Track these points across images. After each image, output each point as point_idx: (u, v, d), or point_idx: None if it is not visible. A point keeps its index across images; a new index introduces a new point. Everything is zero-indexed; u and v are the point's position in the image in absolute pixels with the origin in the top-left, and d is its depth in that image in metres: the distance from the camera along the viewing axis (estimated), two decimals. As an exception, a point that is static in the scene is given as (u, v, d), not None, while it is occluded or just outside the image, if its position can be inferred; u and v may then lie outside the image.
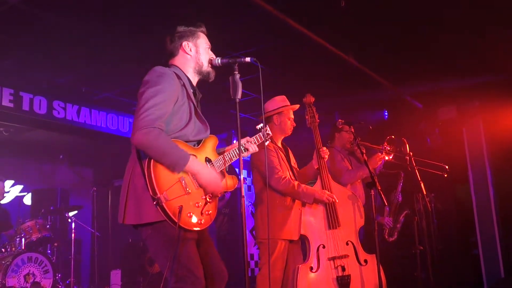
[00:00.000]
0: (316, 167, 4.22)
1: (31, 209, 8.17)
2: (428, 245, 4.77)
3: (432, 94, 7.28)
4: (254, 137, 3.03)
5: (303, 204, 4.12)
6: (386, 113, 7.85)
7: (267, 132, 3.12)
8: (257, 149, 3.00)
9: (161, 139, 2.45)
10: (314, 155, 4.25)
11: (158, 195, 2.42)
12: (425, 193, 4.84)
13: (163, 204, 2.42)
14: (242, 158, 2.71)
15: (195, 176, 2.58)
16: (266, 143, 3.20)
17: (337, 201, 4.10)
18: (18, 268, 5.54)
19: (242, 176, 2.62)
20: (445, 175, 5.05)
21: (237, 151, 2.86)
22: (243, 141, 2.96)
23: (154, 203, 2.42)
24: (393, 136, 5.07)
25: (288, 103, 4.35)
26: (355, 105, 7.64)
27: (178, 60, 2.83)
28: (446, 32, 5.37)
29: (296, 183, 4.07)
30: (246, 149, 2.96)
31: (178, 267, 2.47)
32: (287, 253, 4.06)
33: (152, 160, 2.46)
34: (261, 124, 3.11)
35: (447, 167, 5.04)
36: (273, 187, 4.05)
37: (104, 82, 6.63)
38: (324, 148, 4.24)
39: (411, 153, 4.98)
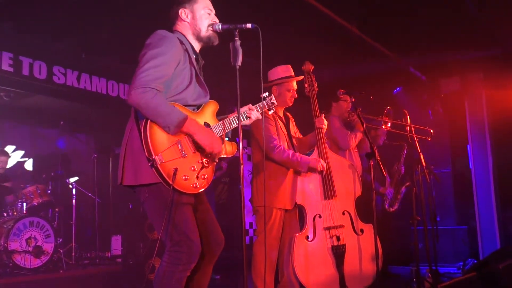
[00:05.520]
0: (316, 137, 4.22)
1: (32, 174, 8.22)
2: (426, 216, 4.80)
3: (436, 66, 7.22)
4: (257, 105, 2.99)
5: (298, 173, 4.13)
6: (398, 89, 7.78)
7: (272, 101, 3.09)
8: (260, 117, 2.97)
9: (156, 99, 2.44)
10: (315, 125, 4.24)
11: (153, 156, 2.43)
12: (424, 164, 4.85)
13: (158, 165, 2.43)
14: (241, 126, 2.69)
15: (192, 136, 2.57)
16: (270, 112, 3.17)
17: (325, 169, 4.10)
18: (20, 232, 5.61)
19: (241, 144, 2.62)
20: (429, 139, 5.04)
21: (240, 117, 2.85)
22: (245, 108, 2.93)
23: (149, 164, 2.44)
24: (389, 107, 5.05)
25: (291, 74, 4.28)
26: (357, 76, 7.58)
27: (178, 27, 2.82)
28: (452, 3, 5.29)
29: (291, 152, 4.06)
30: (248, 117, 2.93)
31: (174, 232, 2.50)
32: (283, 222, 4.10)
33: (148, 122, 2.47)
34: (266, 93, 3.08)
35: (432, 131, 5.04)
36: (268, 156, 4.05)
37: (104, 49, 6.56)
38: (321, 117, 4.21)
39: (412, 125, 4.97)
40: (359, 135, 5.03)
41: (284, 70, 4.29)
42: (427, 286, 4.38)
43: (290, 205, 4.10)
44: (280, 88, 4.22)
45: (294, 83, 4.27)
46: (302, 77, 4.29)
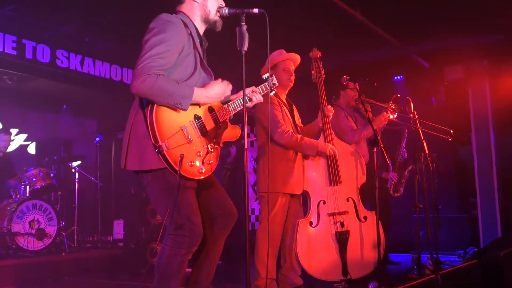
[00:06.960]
0: (320, 125, 4.20)
1: (35, 158, 8.23)
2: (428, 204, 4.81)
3: (440, 53, 7.18)
4: (259, 86, 2.94)
5: (306, 157, 4.12)
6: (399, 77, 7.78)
7: (273, 82, 3.05)
8: (262, 99, 2.92)
9: (159, 82, 2.41)
10: (319, 113, 4.22)
11: (160, 143, 2.42)
12: (427, 152, 4.85)
13: (164, 152, 2.42)
14: (246, 111, 2.65)
15: (206, 103, 2.62)
16: (272, 93, 3.13)
17: (337, 155, 4.10)
18: (23, 214, 5.65)
19: (246, 130, 2.60)
20: (450, 139, 5.05)
21: (242, 100, 2.80)
22: (248, 90, 2.87)
23: (156, 151, 2.43)
24: (398, 95, 5.03)
25: (284, 55, 4.24)
26: (360, 62, 7.55)
27: (185, 7, 2.74)
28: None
29: (299, 136, 4.04)
30: (250, 99, 2.87)
31: (177, 215, 2.51)
32: (287, 208, 4.10)
33: (154, 108, 2.45)
34: (267, 74, 3.04)
35: (451, 131, 5.04)
36: (276, 141, 4.03)
37: (108, 33, 6.53)
38: (329, 106, 4.21)
39: (415, 112, 4.95)
40: (366, 134, 4.94)
41: (277, 54, 4.24)
42: (428, 274, 4.40)
43: (298, 190, 4.09)
44: (275, 71, 4.16)
45: (289, 63, 4.22)
46: (295, 54, 4.23)
